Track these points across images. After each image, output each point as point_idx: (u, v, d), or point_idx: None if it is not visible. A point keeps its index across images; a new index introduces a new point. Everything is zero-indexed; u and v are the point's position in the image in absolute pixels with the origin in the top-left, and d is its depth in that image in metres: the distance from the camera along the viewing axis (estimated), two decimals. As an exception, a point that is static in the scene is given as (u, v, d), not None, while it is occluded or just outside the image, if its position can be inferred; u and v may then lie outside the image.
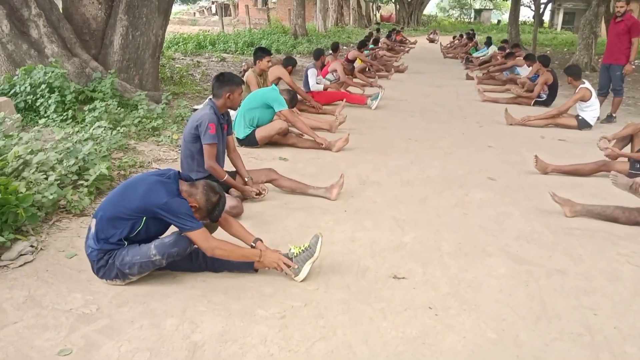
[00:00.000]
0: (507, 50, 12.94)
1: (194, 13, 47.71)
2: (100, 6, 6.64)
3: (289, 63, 7.16)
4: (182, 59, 12.00)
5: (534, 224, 3.71)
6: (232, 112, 6.25)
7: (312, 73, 8.02)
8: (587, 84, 6.86)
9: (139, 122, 5.49)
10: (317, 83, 7.99)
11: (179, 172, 2.76)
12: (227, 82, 3.73)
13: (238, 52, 13.89)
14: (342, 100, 7.63)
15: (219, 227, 2.94)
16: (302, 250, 2.84)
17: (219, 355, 2.17)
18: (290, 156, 5.26)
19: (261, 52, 6.48)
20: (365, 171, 4.89)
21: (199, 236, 2.61)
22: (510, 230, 3.60)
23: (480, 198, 4.25)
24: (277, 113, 5.34)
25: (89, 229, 2.69)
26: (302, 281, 2.79)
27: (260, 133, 5.37)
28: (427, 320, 2.50)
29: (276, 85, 5.71)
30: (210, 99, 3.80)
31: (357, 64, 10.95)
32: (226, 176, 3.80)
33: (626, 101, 9.17)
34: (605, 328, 2.48)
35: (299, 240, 3.27)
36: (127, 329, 2.33)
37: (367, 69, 11.57)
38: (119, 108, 5.62)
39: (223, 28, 21.58)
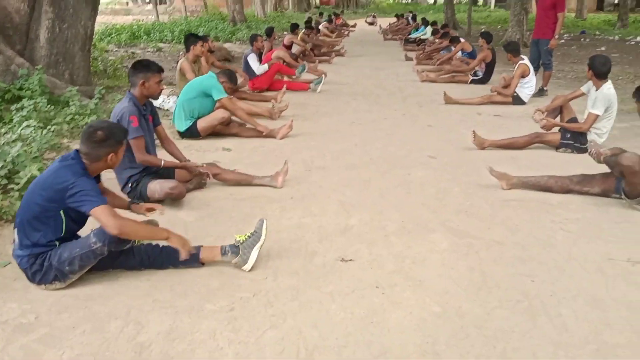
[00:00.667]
0: (441, 31, 13.25)
1: (127, 2, 45.92)
2: (22, -2, 6.26)
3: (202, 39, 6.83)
4: (116, 50, 11.56)
5: (472, 199, 3.85)
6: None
7: (252, 58, 7.93)
8: (525, 60, 7.12)
9: (72, 119, 5.25)
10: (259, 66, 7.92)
11: (77, 149, 2.62)
12: (141, 69, 3.60)
13: (175, 41, 13.51)
14: (283, 87, 7.58)
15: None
16: (248, 236, 2.82)
17: (166, 354, 2.13)
18: (234, 146, 5.19)
19: (194, 38, 6.32)
20: (310, 157, 4.90)
21: (101, 213, 2.42)
22: (451, 206, 3.71)
23: (422, 176, 4.35)
24: (217, 101, 5.23)
25: (14, 238, 2.58)
26: (249, 271, 2.77)
27: (201, 124, 5.25)
28: (375, 299, 2.55)
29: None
30: (129, 90, 3.67)
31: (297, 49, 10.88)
32: (163, 161, 3.70)
33: (556, 75, 9.60)
34: (542, 293, 2.61)
35: (246, 231, 3.26)
36: (69, 336, 2.25)
37: (306, 53, 11.52)
38: (49, 105, 5.35)
39: (158, 17, 20.91)
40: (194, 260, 2.77)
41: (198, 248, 2.78)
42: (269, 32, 10.15)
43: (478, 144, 5.04)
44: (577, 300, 2.55)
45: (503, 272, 2.80)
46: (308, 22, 15.15)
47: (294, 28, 11.65)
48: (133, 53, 11.07)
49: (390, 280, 2.73)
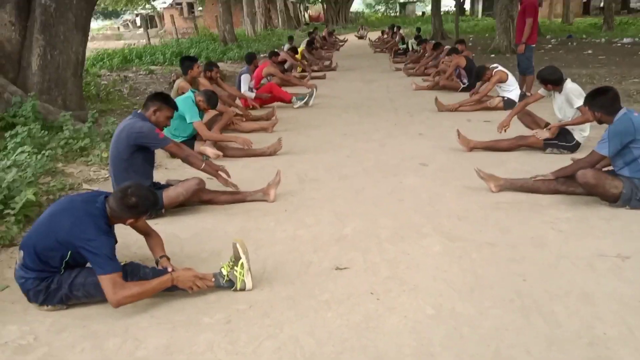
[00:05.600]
0: (433, 42, 13.39)
1: (118, 27, 46.41)
2: (13, 28, 6.35)
3: (208, 68, 6.95)
4: (109, 75, 11.65)
5: (464, 202, 3.90)
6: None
7: (245, 79, 8.00)
8: (499, 67, 7.22)
9: (65, 143, 5.30)
10: (249, 90, 8.00)
11: (106, 196, 2.64)
12: (159, 98, 3.75)
13: (166, 64, 13.63)
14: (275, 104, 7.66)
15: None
16: (230, 266, 2.75)
17: (165, 367, 2.16)
18: (224, 163, 5.20)
19: (189, 61, 6.41)
20: (304, 170, 4.95)
21: (107, 282, 2.45)
22: (443, 210, 3.76)
23: (414, 183, 4.41)
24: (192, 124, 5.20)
25: (17, 259, 2.61)
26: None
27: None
28: (370, 305, 2.58)
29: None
30: (136, 111, 3.77)
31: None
32: (203, 164, 3.97)
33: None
34: (534, 292, 2.65)
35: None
36: (68, 355, 2.28)
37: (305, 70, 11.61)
38: (42, 131, 5.39)
39: (149, 40, 21.10)
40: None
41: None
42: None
43: (464, 143, 5.18)
44: (569, 297, 2.58)
45: (496, 273, 2.84)
46: (310, 41, 15.22)
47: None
48: (125, 77, 11.17)
49: (385, 286, 2.76)
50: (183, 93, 6.12)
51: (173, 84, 7.21)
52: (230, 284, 2.73)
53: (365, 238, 3.38)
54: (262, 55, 12.74)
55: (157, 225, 3.66)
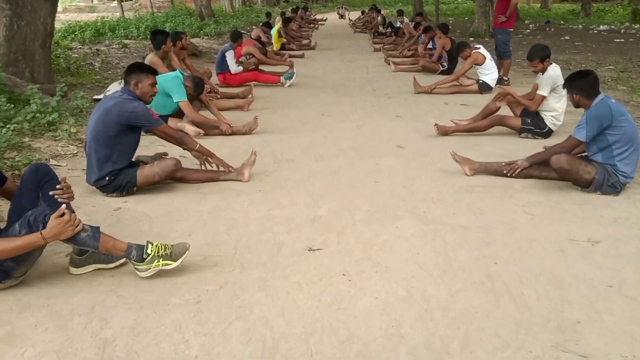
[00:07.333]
0: (414, 22, 13.30)
1: (92, 0, 44.95)
2: (-24, -4, 6.07)
3: (177, 37, 6.79)
4: (80, 48, 11.25)
5: (439, 186, 3.90)
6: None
7: (230, 55, 7.88)
8: (481, 49, 7.18)
9: (33, 117, 5.11)
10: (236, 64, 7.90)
11: None
12: (134, 70, 3.65)
13: (140, 38, 13.22)
14: (252, 82, 7.56)
15: None
16: (161, 254, 2.59)
17: (131, 348, 2.11)
18: (200, 141, 5.10)
19: (162, 35, 6.25)
20: (279, 150, 4.89)
21: None
22: (418, 193, 3.76)
23: (390, 166, 4.39)
24: (177, 103, 5.11)
25: None
26: (215, 265, 2.74)
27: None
28: (342, 286, 2.57)
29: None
30: (124, 88, 3.65)
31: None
32: (198, 145, 3.94)
33: (521, 64, 9.77)
34: (505, 274, 2.66)
35: (211, 225, 3.24)
36: (30, 334, 2.20)
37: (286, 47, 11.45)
38: (8, 104, 5.19)
39: (123, 13, 20.46)
40: (90, 243, 2.50)
41: (96, 229, 2.54)
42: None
43: (442, 133, 5.16)
44: (539, 280, 2.61)
45: (468, 256, 2.85)
46: (286, 19, 14.83)
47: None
48: (97, 50, 10.82)
49: (358, 267, 2.75)
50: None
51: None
52: (139, 259, 2.56)
53: (340, 219, 3.35)
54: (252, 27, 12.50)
55: (127, 203, 3.58)
